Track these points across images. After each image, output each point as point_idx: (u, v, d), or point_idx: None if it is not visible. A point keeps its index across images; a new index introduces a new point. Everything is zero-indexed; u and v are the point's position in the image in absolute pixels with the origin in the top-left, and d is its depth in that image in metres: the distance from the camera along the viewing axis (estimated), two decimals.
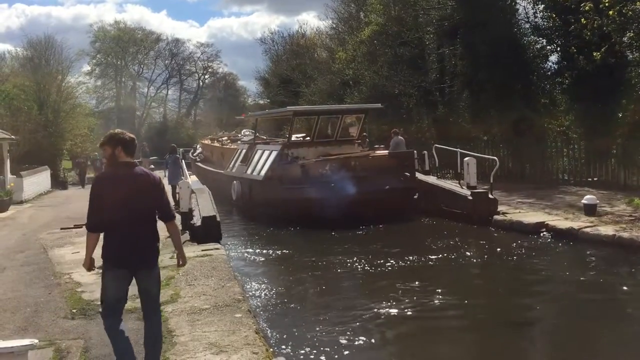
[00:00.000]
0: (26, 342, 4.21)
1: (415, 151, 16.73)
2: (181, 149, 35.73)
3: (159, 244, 4.84)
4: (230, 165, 19.40)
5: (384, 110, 23.05)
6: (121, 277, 4.60)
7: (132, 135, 4.81)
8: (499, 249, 10.60)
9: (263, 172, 16.30)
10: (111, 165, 4.74)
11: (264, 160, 16.67)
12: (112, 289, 4.60)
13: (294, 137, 17.11)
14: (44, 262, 9.67)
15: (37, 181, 25.10)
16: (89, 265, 4.72)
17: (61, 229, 13.52)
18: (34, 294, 7.68)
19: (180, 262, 4.95)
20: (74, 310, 6.78)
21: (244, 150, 19.02)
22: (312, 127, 17.59)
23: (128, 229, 4.57)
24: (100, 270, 4.73)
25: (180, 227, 11.86)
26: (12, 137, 23.16)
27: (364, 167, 14.73)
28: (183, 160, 20.32)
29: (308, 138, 17.34)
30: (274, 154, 16.36)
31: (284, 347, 6.28)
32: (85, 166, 31.81)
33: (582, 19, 14.08)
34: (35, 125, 31.96)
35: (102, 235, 4.66)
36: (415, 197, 15.44)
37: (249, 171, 17.33)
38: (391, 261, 10.07)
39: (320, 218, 13.17)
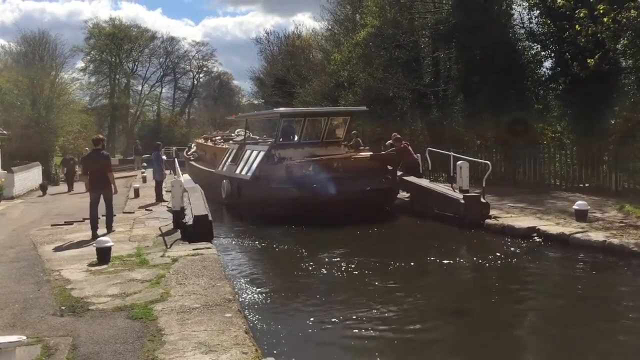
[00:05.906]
0: (14, 338, 4.19)
1: (419, 155, 17.23)
2: (174, 148, 35.81)
3: (110, 182, 11.71)
4: (221, 165, 19.47)
5: (377, 113, 23.19)
6: (95, 194, 11.62)
7: (98, 137, 12.35)
8: (489, 253, 10.61)
9: (251, 172, 16.44)
10: (91, 150, 12.46)
11: (252, 160, 16.87)
12: (93, 197, 11.58)
13: None
14: (34, 259, 9.61)
15: (29, 177, 24.94)
16: (87, 188, 13.17)
17: (52, 225, 13.44)
18: (23, 290, 7.62)
19: (114, 191, 12.07)
20: (63, 307, 6.72)
21: (234, 150, 19.13)
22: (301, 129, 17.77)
23: (97, 175, 11.63)
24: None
25: (172, 226, 11.92)
26: (4, 132, 23.06)
27: (346, 169, 15.01)
28: (176, 159, 20.47)
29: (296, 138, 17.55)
30: (261, 154, 16.57)
31: (273, 347, 6.26)
32: (73, 165, 26.01)
33: (577, 26, 14.14)
34: (27, 120, 31.83)
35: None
36: (408, 198, 15.55)
37: (237, 170, 17.45)
38: (381, 263, 10.07)
39: (305, 217, 13.39)
